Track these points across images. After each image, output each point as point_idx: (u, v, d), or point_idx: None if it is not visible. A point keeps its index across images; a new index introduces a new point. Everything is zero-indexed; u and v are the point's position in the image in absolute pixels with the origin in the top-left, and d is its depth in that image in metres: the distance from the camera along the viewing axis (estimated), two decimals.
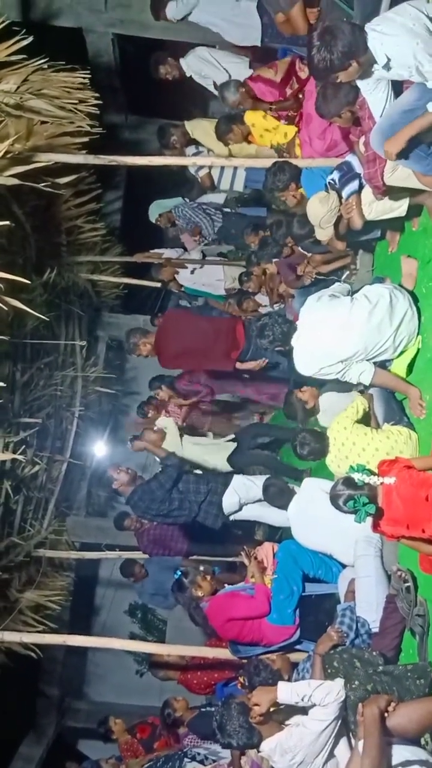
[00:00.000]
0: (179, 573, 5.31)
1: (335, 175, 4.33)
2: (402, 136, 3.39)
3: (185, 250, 7.53)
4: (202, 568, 5.36)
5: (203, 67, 6.00)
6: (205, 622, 5.11)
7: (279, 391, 6.46)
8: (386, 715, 3.02)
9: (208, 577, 5.08)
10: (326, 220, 4.53)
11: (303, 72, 4.87)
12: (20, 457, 6.01)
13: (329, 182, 4.41)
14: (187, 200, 7.07)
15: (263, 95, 5.37)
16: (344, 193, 4.26)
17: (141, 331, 6.64)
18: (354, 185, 4.20)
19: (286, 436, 6.37)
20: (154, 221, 7.30)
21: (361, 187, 4.17)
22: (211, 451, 6.47)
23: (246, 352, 5.98)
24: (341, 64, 3.16)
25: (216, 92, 6.04)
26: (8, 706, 8.19)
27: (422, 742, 3.35)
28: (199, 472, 6.26)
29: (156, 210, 7.24)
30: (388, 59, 3.18)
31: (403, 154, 3.46)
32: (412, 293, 4.29)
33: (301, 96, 5.01)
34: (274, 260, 6.02)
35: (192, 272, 7.49)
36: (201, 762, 5.21)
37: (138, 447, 6.21)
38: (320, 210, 4.51)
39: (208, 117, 6.63)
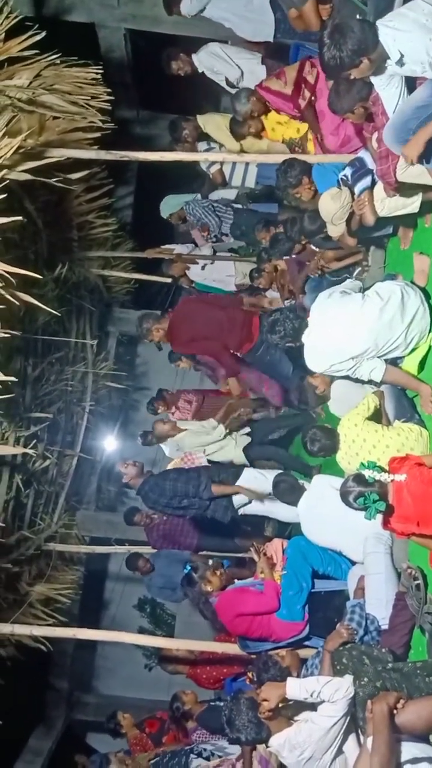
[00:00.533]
0: (189, 567, 5.32)
1: (348, 171, 4.31)
2: (420, 139, 3.37)
3: (196, 245, 7.53)
4: (211, 562, 5.38)
5: (215, 63, 5.98)
6: (214, 617, 5.12)
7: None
8: (395, 712, 3.02)
9: (218, 572, 5.09)
10: (338, 217, 4.52)
11: (311, 75, 4.84)
12: (31, 452, 6.04)
13: (342, 178, 4.40)
14: (199, 197, 7.04)
15: (282, 109, 5.33)
16: (357, 189, 4.24)
17: (154, 317, 6.52)
18: (367, 181, 4.19)
19: (298, 423, 6.37)
20: (165, 217, 7.28)
21: (373, 183, 4.15)
22: (227, 445, 6.47)
23: (258, 346, 5.96)
24: (351, 61, 3.15)
25: (228, 88, 6.05)
26: (18, 699, 8.22)
27: (431, 739, 3.35)
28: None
29: (168, 207, 7.22)
30: (401, 55, 3.16)
31: (422, 157, 3.45)
32: (424, 290, 4.28)
33: (313, 98, 4.96)
34: (284, 257, 6.01)
35: (203, 268, 7.49)
36: (207, 759, 5.22)
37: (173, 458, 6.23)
38: (332, 206, 4.50)
39: (220, 112, 6.60)
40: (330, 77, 3.42)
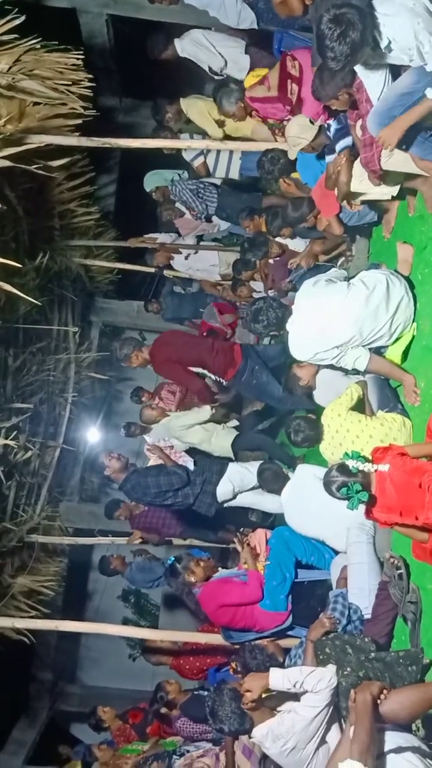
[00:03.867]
0: (172, 558, 5.31)
1: (333, 124, 4.22)
2: (400, 125, 3.34)
3: (179, 235, 7.47)
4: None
5: (198, 52, 5.90)
6: (197, 607, 5.12)
7: None
8: (379, 702, 3.02)
9: (202, 563, 5.08)
10: (293, 142, 4.49)
11: (294, 69, 4.79)
12: (12, 443, 5.98)
13: (324, 125, 4.32)
14: (186, 176, 6.94)
15: (272, 115, 5.28)
16: (337, 147, 4.19)
17: (135, 343, 6.44)
18: (348, 140, 4.13)
19: (283, 408, 6.32)
20: (148, 191, 7.12)
21: (354, 143, 4.09)
22: (219, 436, 6.45)
23: (243, 370, 5.87)
24: (359, 54, 3.07)
25: (211, 74, 5.98)
26: (1, 691, 8.22)
27: (413, 728, 3.37)
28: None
29: (153, 180, 7.05)
30: (389, 41, 3.12)
31: (401, 143, 3.42)
32: (407, 279, 4.27)
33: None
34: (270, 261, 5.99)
35: (186, 257, 7.44)
36: None
37: (151, 454, 6.14)
38: (295, 131, 4.48)
39: (204, 96, 6.53)
40: (331, 72, 3.29)
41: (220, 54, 5.84)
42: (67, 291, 7.93)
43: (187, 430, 6.14)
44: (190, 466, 5.99)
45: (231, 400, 6.47)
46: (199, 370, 5.98)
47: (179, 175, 7.01)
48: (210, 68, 5.92)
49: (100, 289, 8.90)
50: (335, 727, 3.51)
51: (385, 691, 3.07)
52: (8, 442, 5.83)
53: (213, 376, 5.99)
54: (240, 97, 5.46)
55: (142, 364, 6.32)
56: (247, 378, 5.84)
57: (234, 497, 5.84)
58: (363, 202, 4.47)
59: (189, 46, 5.93)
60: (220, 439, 6.30)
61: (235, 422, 6.73)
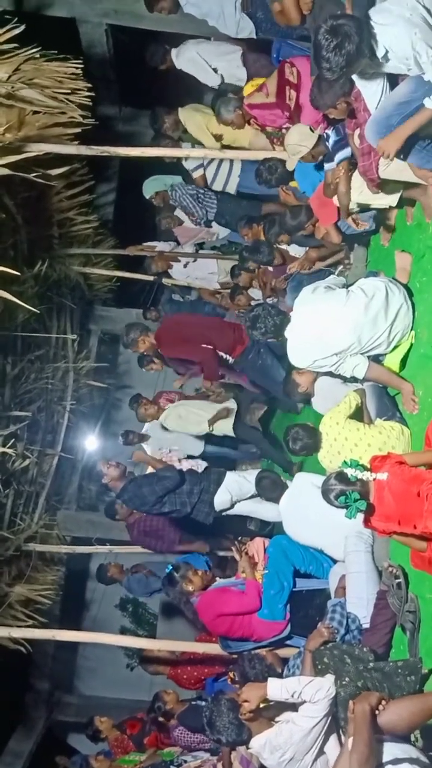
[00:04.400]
0: (170, 567, 5.29)
1: (332, 135, 4.24)
2: (399, 135, 3.34)
3: (178, 243, 7.48)
4: None
5: (193, 70, 5.94)
6: (195, 617, 5.09)
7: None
8: (377, 712, 3.00)
9: (200, 572, 5.06)
10: (293, 150, 4.50)
11: (292, 75, 4.82)
12: (10, 451, 5.97)
13: (323, 134, 4.33)
14: (183, 182, 6.95)
15: (271, 122, 5.31)
16: (336, 158, 4.20)
17: (142, 327, 6.46)
18: (347, 151, 4.14)
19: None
20: (148, 197, 7.05)
21: (353, 154, 4.10)
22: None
23: (250, 349, 5.90)
24: (355, 65, 3.10)
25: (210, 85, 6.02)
26: None
27: (412, 738, 3.34)
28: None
29: (153, 185, 7.01)
30: (386, 50, 3.13)
31: (398, 152, 3.43)
32: (406, 287, 4.27)
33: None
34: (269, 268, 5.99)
35: (185, 266, 7.44)
36: None
37: (138, 458, 6.14)
38: (295, 139, 4.48)
39: (203, 106, 6.55)
40: (330, 81, 3.32)
41: (215, 70, 5.86)
42: (66, 299, 7.94)
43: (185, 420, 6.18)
44: (200, 469, 6.02)
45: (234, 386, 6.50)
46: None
47: (181, 184, 7.01)
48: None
49: (99, 297, 8.92)
50: (333, 738, 3.49)
51: (383, 702, 3.05)
52: (6, 450, 5.82)
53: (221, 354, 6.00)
54: (238, 105, 5.49)
55: (149, 349, 6.35)
56: (254, 357, 5.88)
57: (232, 506, 5.82)
58: (361, 211, 4.47)
59: (184, 64, 5.96)
60: (223, 423, 6.31)
61: (233, 402, 6.73)
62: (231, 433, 6.49)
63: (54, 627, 6.78)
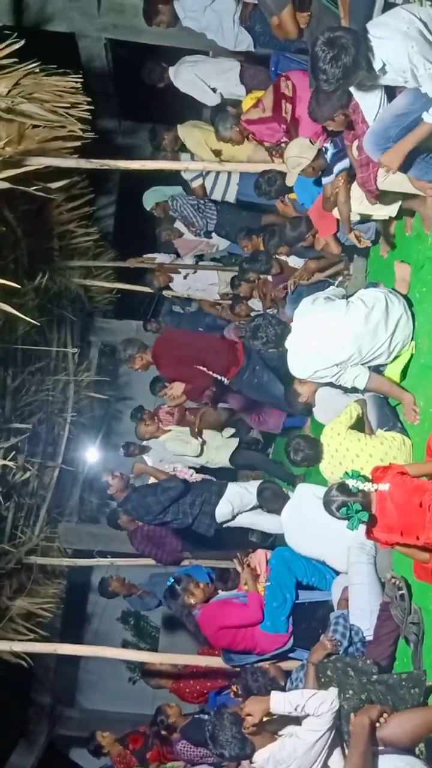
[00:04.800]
0: (171, 580, 5.27)
1: (330, 148, 4.26)
2: (401, 150, 3.36)
3: (178, 255, 7.50)
4: None
5: (191, 91, 5.97)
6: (197, 630, 5.06)
7: (269, 416, 6.37)
8: (378, 725, 2.98)
9: (201, 585, 5.04)
10: (293, 163, 4.51)
11: (288, 89, 4.86)
12: (11, 464, 5.96)
13: (322, 148, 4.36)
14: (185, 193, 6.96)
15: (269, 137, 5.33)
16: (335, 169, 4.22)
17: (140, 344, 6.38)
18: (345, 163, 4.16)
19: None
20: (148, 209, 7.00)
21: (351, 165, 4.12)
22: (218, 449, 6.43)
23: (245, 369, 5.89)
24: (352, 77, 3.12)
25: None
26: None
27: (416, 752, 3.32)
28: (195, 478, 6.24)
29: (153, 197, 6.97)
30: (384, 63, 3.15)
31: (402, 168, 3.45)
32: (405, 298, 4.28)
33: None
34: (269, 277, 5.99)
35: (185, 277, 7.45)
36: None
37: (138, 471, 6.12)
38: (295, 151, 4.50)
39: (202, 121, 6.59)
40: (327, 93, 3.35)
41: (214, 90, 5.90)
42: (67, 311, 7.95)
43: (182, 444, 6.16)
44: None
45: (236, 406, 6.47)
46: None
47: (182, 194, 7.02)
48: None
49: (99, 309, 8.93)
50: (337, 752, 3.46)
51: (384, 715, 3.03)
52: (7, 462, 5.81)
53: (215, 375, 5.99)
54: (235, 122, 5.51)
55: (145, 366, 6.32)
56: (249, 377, 5.85)
57: (233, 518, 5.80)
58: (361, 222, 4.48)
59: (182, 85, 5.99)
60: (219, 452, 6.28)
61: (232, 430, 6.71)
62: (228, 465, 6.43)
63: (55, 640, 6.75)
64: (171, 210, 6.80)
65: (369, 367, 4.19)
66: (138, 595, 6.88)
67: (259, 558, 5.16)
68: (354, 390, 4.39)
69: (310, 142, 4.47)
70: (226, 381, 5.97)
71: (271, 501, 5.03)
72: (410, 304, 4.24)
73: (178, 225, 7.06)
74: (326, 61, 3.03)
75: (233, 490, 5.79)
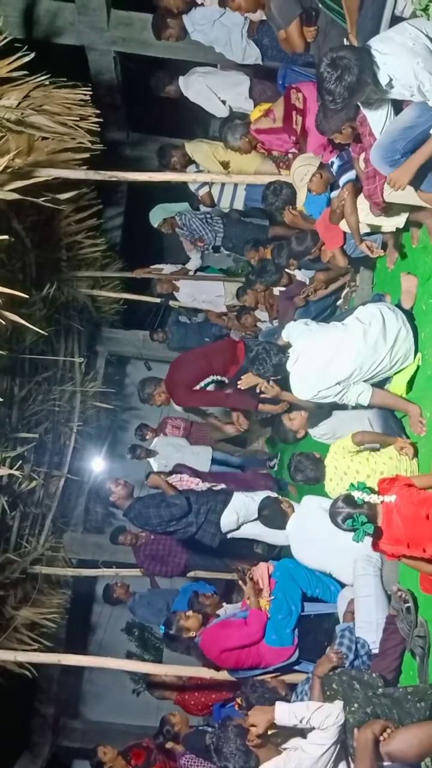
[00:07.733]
0: (163, 628, 5.15)
1: (336, 161, 4.30)
2: (410, 167, 3.38)
3: (184, 265, 7.52)
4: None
5: (201, 101, 6.02)
6: (203, 657, 4.95)
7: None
8: (381, 740, 2.95)
9: (190, 613, 4.93)
10: (300, 174, 4.55)
11: (298, 101, 4.89)
12: (17, 473, 5.96)
13: (328, 163, 4.39)
14: (192, 209, 6.99)
15: (278, 146, 5.38)
16: (341, 181, 4.25)
17: (156, 381, 6.59)
18: (351, 174, 4.19)
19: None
20: (155, 226, 7.02)
21: (358, 177, 4.14)
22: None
23: (245, 369, 5.89)
24: (357, 95, 3.17)
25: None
26: (2, 725, 8.08)
27: (423, 767, 3.29)
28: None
29: (160, 214, 7.00)
30: (390, 78, 3.18)
31: (412, 183, 3.47)
32: (412, 310, 4.28)
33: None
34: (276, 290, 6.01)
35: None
36: None
37: (153, 483, 6.12)
38: (299, 162, 4.58)
39: (210, 135, 6.64)
40: (334, 110, 3.40)
41: (224, 102, 5.94)
42: (74, 321, 7.99)
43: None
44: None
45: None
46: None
47: (189, 210, 7.06)
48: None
49: (106, 319, 8.97)
50: (342, 765, 3.44)
51: (388, 730, 3.00)
52: (13, 471, 5.81)
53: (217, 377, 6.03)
54: (245, 132, 5.55)
55: (166, 402, 6.40)
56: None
57: (238, 528, 5.78)
58: (370, 233, 4.49)
59: (193, 96, 6.04)
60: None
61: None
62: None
63: (59, 651, 6.72)
64: (179, 225, 6.83)
65: (373, 383, 4.19)
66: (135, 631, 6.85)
67: (262, 572, 5.09)
68: (359, 406, 4.36)
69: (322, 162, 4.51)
70: (226, 381, 5.99)
71: (272, 520, 4.98)
72: (417, 316, 4.24)
73: (185, 236, 7.05)
74: (331, 82, 3.12)
75: (239, 498, 5.77)
